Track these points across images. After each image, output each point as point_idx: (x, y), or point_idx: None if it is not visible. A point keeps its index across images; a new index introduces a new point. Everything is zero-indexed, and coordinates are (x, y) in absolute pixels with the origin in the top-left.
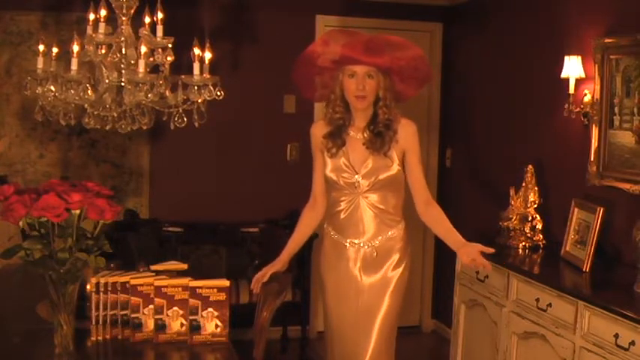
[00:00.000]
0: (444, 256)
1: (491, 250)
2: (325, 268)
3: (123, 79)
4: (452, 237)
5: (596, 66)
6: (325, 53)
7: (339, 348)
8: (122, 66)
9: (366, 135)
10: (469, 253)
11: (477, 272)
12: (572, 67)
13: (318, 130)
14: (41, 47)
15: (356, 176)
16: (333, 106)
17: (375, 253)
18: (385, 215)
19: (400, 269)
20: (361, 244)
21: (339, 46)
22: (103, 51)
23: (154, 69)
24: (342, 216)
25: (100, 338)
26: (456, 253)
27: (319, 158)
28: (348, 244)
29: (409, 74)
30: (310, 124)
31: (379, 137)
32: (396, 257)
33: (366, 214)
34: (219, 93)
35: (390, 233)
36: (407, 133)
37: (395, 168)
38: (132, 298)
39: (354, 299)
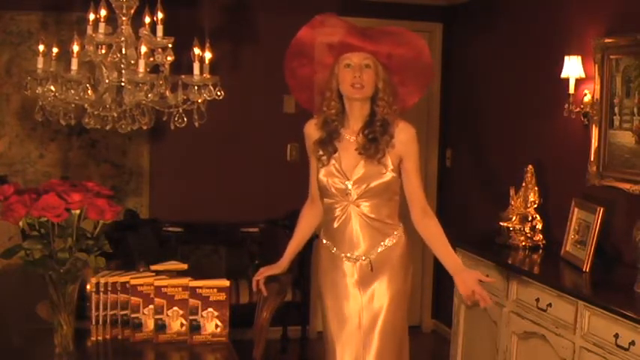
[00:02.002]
0: None
1: (491, 280)
2: (323, 280)
3: (123, 79)
4: (449, 258)
5: (596, 66)
6: (318, 37)
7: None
8: (122, 66)
9: (360, 139)
10: (467, 282)
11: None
12: (572, 67)
13: (311, 130)
14: (41, 47)
15: (347, 182)
16: (327, 102)
17: (371, 268)
18: (379, 224)
19: (399, 277)
20: (357, 258)
21: (332, 30)
22: (103, 51)
23: (154, 69)
24: (335, 225)
25: (100, 338)
26: (453, 278)
27: (313, 158)
28: (344, 258)
29: (409, 67)
30: None
31: (373, 143)
32: (394, 265)
33: (359, 225)
34: (219, 93)
35: (386, 242)
36: (404, 138)
37: (388, 175)
38: (132, 298)
39: (357, 316)
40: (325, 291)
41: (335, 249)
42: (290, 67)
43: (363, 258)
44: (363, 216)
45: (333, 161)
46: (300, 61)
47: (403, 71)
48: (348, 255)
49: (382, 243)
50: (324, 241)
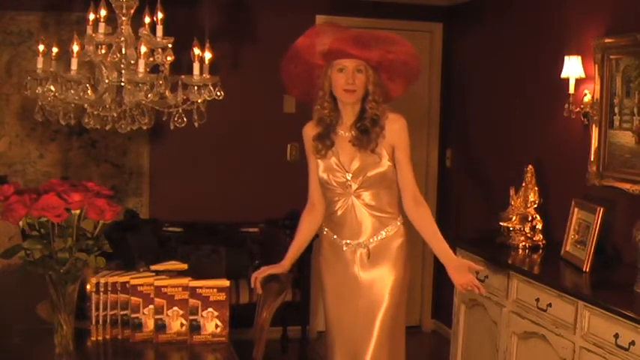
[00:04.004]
0: None
1: (480, 268)
2: (324, 269)
3: (123, 79)
4: (438, 247)
5: (596, 66)
6: (315, 45)
7: (341, 347)
8: (122, 66)
9: (353, 133)
10: (459, 272)
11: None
12: (572, 67)
13: (310, 131)
14: (41, 47)
15: (347, 175)
16: (321, 102)
17: (369, 256)
18: (380, 213)
19: (400, 266)
20: (358, 245)
21: (328, 38)
22: (103, 51)
23: (154, 69)
24: (338, 216)
25: (100, 338)
26: (445, 266)
27: (313, 160)
28: (344, 246)
29: (398, 70)
30: None
31: (365, 134)
32: (394, 254)
33: (361, 214)
34: (219, 93)
35: (387, 231)
36: (395, 128)
37: (385, 164)
38: (132, 298)
39: (354, 299)
40: (326, 278)
41: (336, 237)
42: (287, 68)
43: (363, 246)
44: (365, 205)
45: (331, 154)
46: (295, 64)
47: (391, 70)
48: (349, 242)
49: (382, 232)
50: (326, 231)
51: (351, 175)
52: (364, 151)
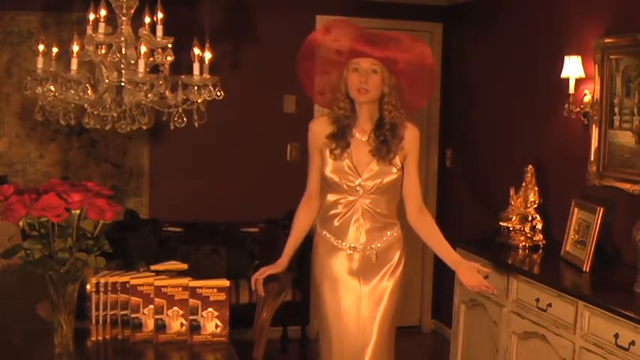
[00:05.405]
0: None
1: (487, 271)
2: (321, 274)
3: (123, 79)
4: (447, 252)
5: (596, 66)
6: (328, 42)
7: (338, 350)
8: (122, 66)
9: (371, 140)
10: (467, 274)
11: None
12: (572, 67)
13: (319, 128)
14: (41, 47)
15: (359, 179)
16: (337, 102)
17: (375, 258)
18: (382, 218)
19: (399, 271)
20: (359, 248)
21: (342, 35)
22: (103, 51)
23: (154, 69)
24: (338, 219)
25: (100, 338)
26: (455, 270)
27: (317, 156)
28: (345, 249)
29: (415, 71)
30: None
31: (385, 145)
32: (394, 259)
33: (364, 218)
34: (219, 93)
35: (387, 235)
36: (411, 137)
37: (398, 172)
38: (132, 298)
39: (355, 306)
40: (323, 282)
41: (335, 240)
42: (304, 67)
43: (365, 249)
44: (369, 210)
45: (345, 156)
46: (312, 63)
47: (409, 75)
48: (352, 245)
49: (383, 236)
50: (324, 233)
51: (363, 180)
52: (382, 161)
